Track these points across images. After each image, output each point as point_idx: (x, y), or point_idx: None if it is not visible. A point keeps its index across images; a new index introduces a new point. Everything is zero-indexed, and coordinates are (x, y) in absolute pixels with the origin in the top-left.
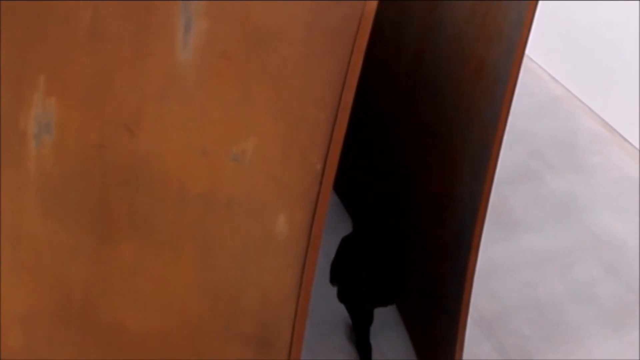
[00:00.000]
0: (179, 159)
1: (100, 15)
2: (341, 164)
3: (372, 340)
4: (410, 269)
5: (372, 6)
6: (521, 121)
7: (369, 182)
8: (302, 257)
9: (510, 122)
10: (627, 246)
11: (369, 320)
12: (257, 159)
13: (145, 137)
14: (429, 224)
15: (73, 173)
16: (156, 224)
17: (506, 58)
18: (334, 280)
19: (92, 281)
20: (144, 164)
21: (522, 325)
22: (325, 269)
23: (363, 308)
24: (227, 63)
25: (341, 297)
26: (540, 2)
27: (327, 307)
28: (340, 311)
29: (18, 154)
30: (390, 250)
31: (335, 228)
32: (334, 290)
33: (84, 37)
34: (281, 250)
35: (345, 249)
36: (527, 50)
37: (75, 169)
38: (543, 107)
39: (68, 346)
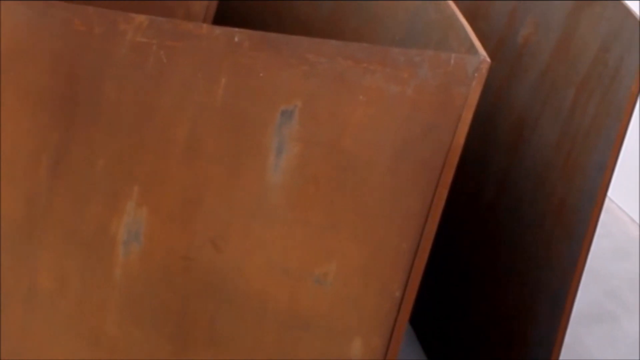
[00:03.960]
0: (261, 277)
1: (198, 131)
2: (418, 293)
3: None
4: None
5: (459, 142)
6: (598, 261)
7: (443, 315)
8: None
9: (587, 261)
10: None
11: None
12: (338, 283)
13: (231, 253)
14: None
15: (157, 282)
16: (234, 338)
17: (588, 199)
18: None
19: None
20: (227, 279)
21: None
22: None
23: None
24: (315, 187)
25: None
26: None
27: None
28: None
29: (106, 258)
30: None
31: (404, 356)
32: None
33: (179, 151)
34: None
35: None
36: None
37: (159, 278)
38: (621, 248)
39: None
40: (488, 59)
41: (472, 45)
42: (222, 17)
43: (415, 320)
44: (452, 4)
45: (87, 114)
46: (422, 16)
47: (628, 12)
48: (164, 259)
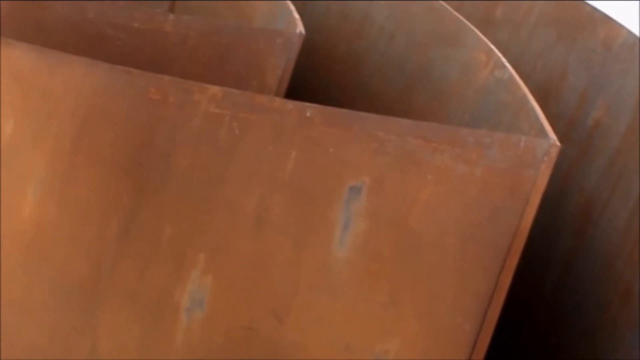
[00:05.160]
0: (322, 351)
1: (266, 203)
2: None
3: None
4: None
5: (526, 226)
6: None
7: None
8: None
9: None
10: None
11: None
12: None
13: (292, 326)
14: None
15: (218, 350)
16: None
17: None
18: None
19: None
20: (287, 351)
21: None
22: None
23: None
24: (380, 264)
25: None
26: None
27: None
28: None
29: (168, 324)
30: None
31: None
32: None
33: (247, 222)
34: None
35: None
36: None
37: (220, 347)
38: None
39: None
40: (558, 143)
41: (543, 128)
42: (293, 90)
43: None
44: (523, 85)
45: (158, 181)
46: (493, 96)
47: None
48: (226, 328)
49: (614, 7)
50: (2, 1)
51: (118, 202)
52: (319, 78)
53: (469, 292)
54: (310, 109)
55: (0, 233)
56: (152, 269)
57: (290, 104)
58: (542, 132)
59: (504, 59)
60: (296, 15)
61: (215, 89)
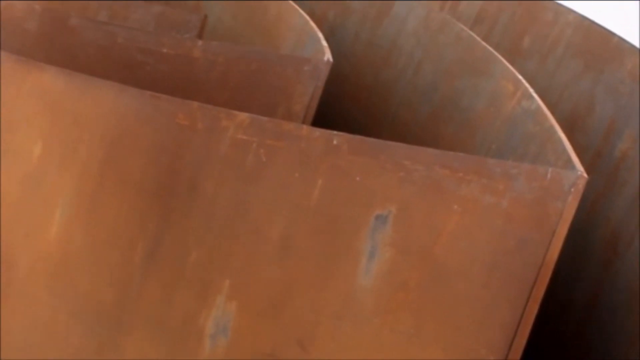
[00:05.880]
0: None
1: (291, 231)
2: None
3: None
4: None
5: (553, 257)
6: None
7: None
8: None
9: None
10: None
11: None
12: None
13: (316, 354)
14: None
15: None
16: None
17: None
18: None
19: None
20: None
21: None
22: None
23: None
24: (405, 294)
25: None
26: None
27: None
28: None
29: (192, 350)
30: None
31: None
32: None
33: (272, 249)
34: None
35: None
36: None
37: None
38: None
39: None
40: (585, 175)
41: (570, 160)
42: (320, 117)
43: None
44: (550, 116)
45: (184, 206)
46: (520, 127)
47: None
48: (249, 355)
49: (615, 7)
50: (26, 21)
51: (144, 226)
52: (346, 106)
53: (495, 323)
54: (337, 137)
55: (28, 255)
56: (177, 294)
57: (317, 132)
58: (569, 164)
59: (531, 90)
60: (324, 43)
61: (242, 116)
